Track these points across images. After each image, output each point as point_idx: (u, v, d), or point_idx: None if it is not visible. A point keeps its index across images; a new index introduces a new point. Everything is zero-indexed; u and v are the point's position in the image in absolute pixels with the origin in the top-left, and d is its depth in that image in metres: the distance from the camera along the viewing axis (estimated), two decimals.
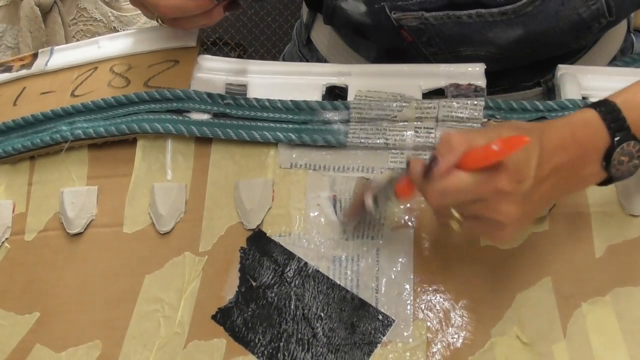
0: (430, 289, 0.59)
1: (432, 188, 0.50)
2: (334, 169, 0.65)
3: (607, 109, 0.53)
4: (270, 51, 1.99)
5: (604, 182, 0.55)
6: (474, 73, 0.67)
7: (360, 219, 0.61)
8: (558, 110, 0.64)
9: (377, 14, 0.67)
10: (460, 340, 0.57)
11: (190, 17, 0.65)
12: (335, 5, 0.70)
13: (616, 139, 0.52)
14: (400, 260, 0.60)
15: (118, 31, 1.43)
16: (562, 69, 0.68)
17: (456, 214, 0.51)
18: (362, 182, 0.64)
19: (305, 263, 0.61)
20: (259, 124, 0.66)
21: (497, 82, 0.69)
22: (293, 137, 0.65)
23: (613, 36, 0.76)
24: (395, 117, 0.65)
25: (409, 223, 0.62)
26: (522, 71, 0.73)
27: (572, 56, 0.73)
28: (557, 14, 0.64)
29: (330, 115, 0.66)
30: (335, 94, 0.70)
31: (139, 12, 1.51)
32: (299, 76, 0.71)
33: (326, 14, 0.73)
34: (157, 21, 0.66)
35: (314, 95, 0.68)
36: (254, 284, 0.61)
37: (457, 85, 0.66)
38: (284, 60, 0.92)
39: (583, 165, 0.53)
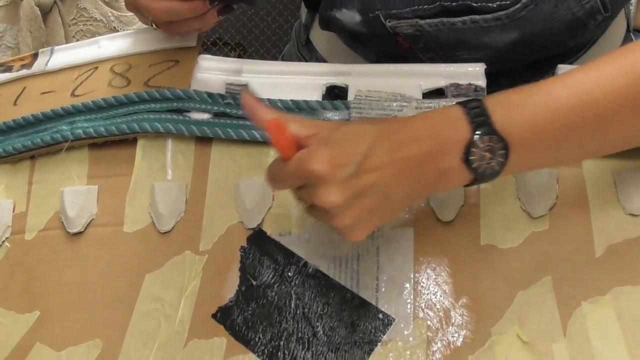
0: (430, 287, 0.59)
1: (267, 174, 0.53)
2: None
3: (472, 105, 0.51)
4: (270, 51, 1.99)
5: (472, 183, 0.52)
6: (474, 73, 0.67)
7: None
8: None
9: (372, 22, 0.67)
10: (461, 339, 0.57)
11: (184, 21, 0.65)
12: (331, 16, 0.70)
13: (477, 132, 0.50)
14: (400, 259, 0.61)
15: (118, 31, 1.43)
16: (562, 69, 0.68)
17: (300, 201, 0.52)
18: None
19: (306, 262, 0.61)
20: None
21: (496, 82, 0.69)
22: None
23: (613, 36, 0.76)
24: (396, 117, 0.65)
25: (409, 222, 0.62)
26: (521, 71, 0.73)
27: (572, 55, 0.73)
28: (551, 15, 0.64)
29: (330, 115, 0.66)
30: (335, 93, 0.71)
31: None
32: (299, 76, 0.71)
33: (322, 22, 0.73)
34: (152, 25, 0.67)
35: (314, 95, 0.68)
36: (254, 283, 0.61)
37: (457, 85, 0.66)
38: (283, 60, 0.92)
39: (440, 157, 0.50)
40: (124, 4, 1.45)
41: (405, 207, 0.52)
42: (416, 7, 0.65)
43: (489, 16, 0.64)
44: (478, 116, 0.50)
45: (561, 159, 0.56)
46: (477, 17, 0.64)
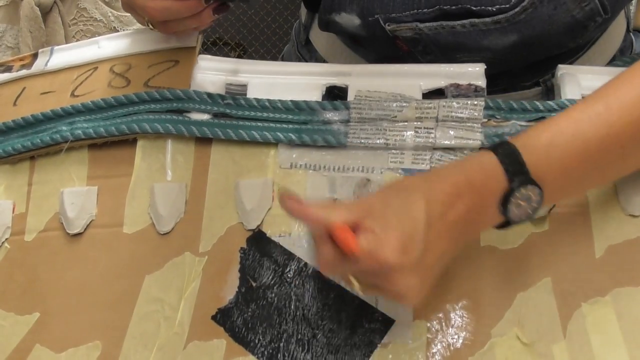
0: (430, 289, 0.59)
1: (321, 257, 0.50)
2: (334, 169, 0.65)
3: (505, 152, 0.51)
4: (270, 51, 1.99)
5: (502, 225, 0.53)
6: (474, 73, 0.67)
7: None
8: (558, 110, 0.63)
9: (371, 26, 0.67)
10: (460, 341, 0.57)
11: (180, 20, 0.65)
12: (330, 19, 0.70)
13: (514, 183, 0.50)
14: None
15: (118, 31, 1.43)
16: (562, 69, 0.68)
17: (355, 282, 0.50)
18: (363, 182, 0.64)
19: (305, 263, 0.61)
20: (259, 124, 0.66)
21: (496, 82, 0.69)
22: (293, 137, 0.65)
23: (612, 35, 0.76)
24: (395, 117, 0.65)
25: None
26: (521, 72, 0.73)
27: (571, 55, 0.73)
28: (550, 18, 0.64)
29: (330, 115, 0.66)
30: (335, 94, 0.70)
31: None
32: (299, 76, 0.70)
33: (321, 25, 0.73)
34: (148, 25, 0.66)
35: (314, 95, 0.68)
36: (254, 284, 0.61)
37: (457, 85, 0.66)
38: (283, 60, 0.92)
39: (481, 211, 0.51)
40: None
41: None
42: (415, 10, 0.65)
43: (488, 20, 0.63)
44: (513, 164, 0.51)
45: (583, 190, 0.58)
46: (476, 20, 0.64)
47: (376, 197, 0.51)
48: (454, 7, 0.64)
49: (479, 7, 0.63)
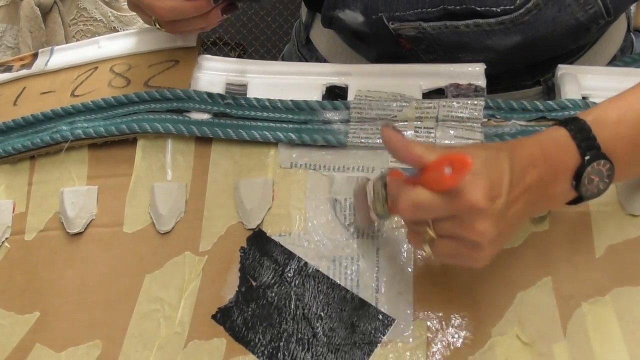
0: (430, 288, 0.59)
1: (402, 200, 0.50)
2: (334, 168, 0.65)
3: (577, 127, 0.52)
4: (270, 51, 1.99)
5: (573, 202, 0.54)
6: (474, 73, 0.67)
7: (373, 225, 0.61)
8: (558, 110, 0.64)
9: (375, 24, 0.67)
10: (461, 340, 0.57)
11: (188, 20, 0.65)
12: (333, 15, 0.70)
13: (586, 157, 0.51)
14: (400, 259, 0.60)
15: (118, 31, 1.43)
16: (562, 69, 0.68)
17: (431, 232, 0.50)
18: (363, 182, 0.64)
19: (306, 263, 0.61)
20: (259, 123, 0.66)
21: (497, 81, 0.69)
22: (293, 136, 0.65)
23: (613, 35, 0.76)
24: (395, 117, 0.65)
25: None
26: (522, 71, 0.73)
27: (572, 55, 0.73)
28: (554, 20, 0.64)
29: (330, 115, 0.66)
30: (335, 93, 0.70)
31: None
32: (299, 76, 0.71)
33: (324, 21, 0.73)
34: (155, 25, 0.66)
35: (314, 95, 0.68)
36: (254, 283, 0.61)
37: (457, 85, 0.66)
38: (283, 60, 0.91)
39: (553, 183, 0.52)
40: (124, 3, 1.45)
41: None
42: (419, 10, 0.65)
43: (492, 20, 0.64)
44: (585, 140, 0.52)
45: None
46: (480, 21, 0.64)
47: (463, 148, 0.52)
48: (458, 7, 0.64)
49: (483, 8, 0.63)
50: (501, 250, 0.52)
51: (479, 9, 0.63)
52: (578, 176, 0.51)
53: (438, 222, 0.49)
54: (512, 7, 0.63)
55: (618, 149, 0.52)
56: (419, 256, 0.60)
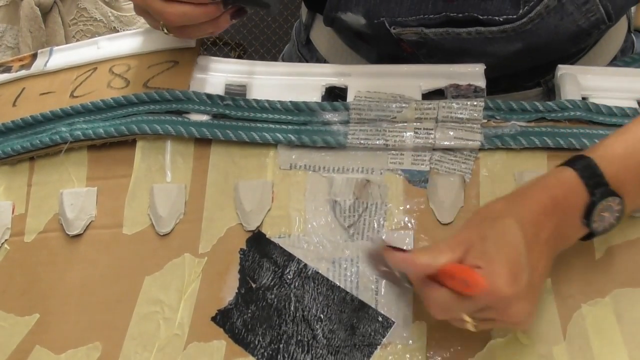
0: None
1: (434, 304, 0.50)
2: (333, 170, 0.65)
3: (584, 166, 0.52)
4: (270, 51, 1.99)
5: (585, 237, 0.54)
6: (473, 73, 0.67)
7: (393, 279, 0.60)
8: (558, 111, 0.64)
9: (376, 27, 0.67)
10: (460, 342, 0.57)
11: (197, 25, 0.63)
12: (335, 16, 0.70)
13: (595, 196, 0.51)
14: None
15: (118, 31, 1.43)
16: (562, 69, 0.68)
17: (468, 319, 0.50)
18: (363, 183, 0.64)
19: (305, 264, 0.61)
20: (259, 125, 0.66)
21: (496, 83, 0.69)
22: (292, 138, 0.65)
23: (613, 37, 0.76)
24: (395, 118, 0.65)
25: (409, 224, 0.62)
26: (522, 74, 0.73)
27: (572, 57, 0.73)
28: (556, 27, 0.64)
29: (329, 116, 0.66)
30: (335, 94, 0.70)
31: None
32: (298, 77, 0.70)
33: (326, 20, 0.73)
34: (163, 30, 0.64)
35: (314, 96, 0.68)
36: (253, 285, 0.61)
37: (456, 86, 0.66)
38: (283, 60, 0.91)
39: (566, 226, 0.52)
40: (124, 3, 1.45)
41: None
42: (422, 16, 0.65)
43: (494, 28, 0.64)
44: (592, 177, 0.52)
45: None
46: (482, 29, 0.64)
47: (469, 231, 0.52)
48: (460, 15, 0.64)
49: (485, 17, 0.63)
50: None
51: (481, 17, 0.63)
52: (588, 214, 0.52)
53: (475, 314, 0.50)
54: (514, 16, 0.63)
55: (627, 182, 0.53)
56: None
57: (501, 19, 0.63)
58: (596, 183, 0.52)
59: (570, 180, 0.52)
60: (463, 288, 0.48)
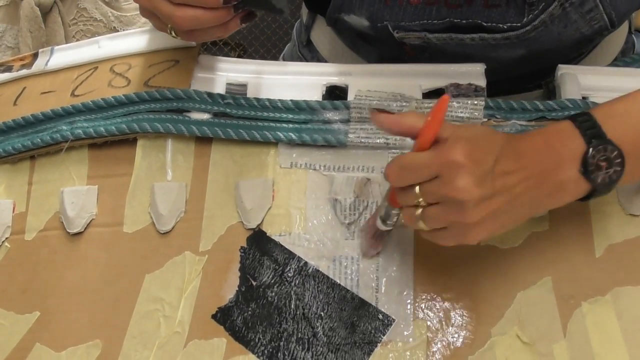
0: (430, 288, 0.59)
1: (392, 165, 0.51)
2: (334, 168, 0.65)
3: (582, 119, 0.53)
4: (270, 51, 1.99)
5: (589, 195, 0.53)
6: (474, 72, 0.67)
7: (383, 241, 0.61)
8: (558, 110, 0.64)
9: (379, 30, 0.67)
10: (461, 340, 0.57)
11: (206, 29, 0.62)
12: (338, 17, 0.70)
13: (591, 143, 0.51)
14: (400, 259, 0.61)
15: (118, 31, 1.43)
16: (562, 69, 0.68)
17: (420, 199, 0.50)
18: (363, 182, 0.64)
19: (306, 262, 0.61)
20: (259, 123, 0.66)
21: (498, 86, 0.69)
22: (293, 136, 0.65)
23: (614, 39, 0.76)
24: None
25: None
26: (523, 77, 0.73)
27: (573, 60, 0.73)
28: (559, 35, 0.64)
29: (330, 115, 0.66)
30: (336, 94, 0.70)
31: (139, 12, 1.49)
32: (299, 76, 0.71)
33: (329, 21, 0.73)
34: (171, 33, 0.63)
35: (314, 95, 0.68)
36: (254, 283, 0.61)
37: (457, 85, 0.66)
38: (284, 60, 0.91)
39: (558, 170, 0.52)
40: (124, 3, 1.45)
41: (524, 219, 0.53)
42: (425, 21, 0.65)
43: (498, 35, 0.64)
44: (590, 128, 0.52)
45: None
46: (486, 35, 0.64)
47: (462, 124, 0.53)
48: (464, 21, 0.64)
49: (490, 24, 0.63)
50: (498, 231, 0.52)
51: (485, 24, 0.63)
52: (585, 163, 0.51)
53: (424, 186, 0.50)
54: (519, 24, 0.63)
55: (628, 139, 0.52)
56: (419, 255, 0.60)
57: (505, 27, 0.63)
58: (593, 134, 0.52)
59: (568, 130, 0.52)
60: (424, 129, 0.50)
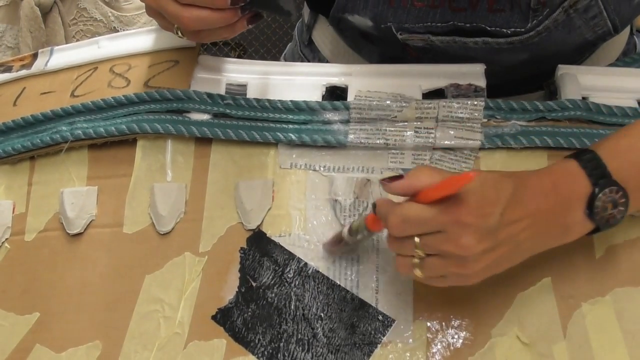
0: (430, 289, 0.59)
1: (394, 215, 0.50)
2: (334, 169, 0.65)
3: (588, 158, 0.53)
4: (270, 51, 1.99)
5: (593, 232, 0.54)
6: (474, 73, 0.67)
7: (342, 249, 0.61)
8: (558, 111, 0.64)
9: (383, 31, 0.67)
10: (460, 341, 0.57)
11: (212, 30, 0.62)
12: (342, 17, 0.70)
13: (597, 186, 0.52)
14: None
15: (118, 31, 1.43)
16: (562, 69, 0.68)
17: (419, 251, 0.50)
18: (363, 182, 0.64)
19: (305, 263, 0.61)
20: (259, 124, 0.66)
21: (499, 88, 0.69)
22: (293, 137, 0.65)
23: (616, 41, 0.76)
24: (395, 117, 0.65)
25: None
26: (525, 80, 0.73)
27: (575, 62, 0.73)
28: (563, 40, 0.64)
29: (330, 115, 0.66)
30: (337, 94, 0.70)
31: (139, 12, 1.50)
32: (298, 76, 0.70)
33: (332, 20, 0.73)
34: (177, 33, 0.63)
35: (314, 95, 0.68)
36: (254, 284, 0.61)
37: (457, 86, 0.66)
38: (285, 60, 0.91)
39: (565, 213, 0.52)
40: (124, 3, 1.45)
41: (524, 259, 0.54)
42: (429, 23, 0.65)
43: (501, 40, 0.64)
44: (595, 168, 0.52)
45: None
46: (489, 39, 0.64)
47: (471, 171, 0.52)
48: (468, 25, 0.64)
49: (493, 28, 0.63)
50: (498, 272, 0.52)
51: (489, 28, 0.63)
52: (591, 205, 0.52)
53: (425, 239, 0.50)
54: (523, 29, 0.63)
55: (631, 177, 0.53)
56: None
57: (509, 32, 0.63)
58: (599, 174, 0.52)
59: (574, 170, 0.53)
60: (437, 188, 0.48)
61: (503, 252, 0.51)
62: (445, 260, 0.50)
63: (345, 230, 0.58)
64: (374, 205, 0.54)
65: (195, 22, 0.59)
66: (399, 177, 0.51)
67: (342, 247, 0.60)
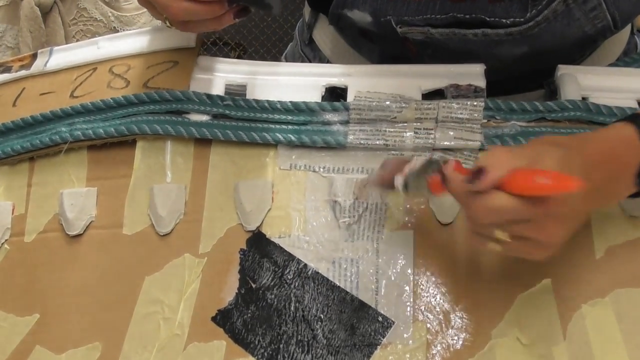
0: (430, 290, 0.59)
1: (478, 204, 0.49)
2: (333, 170, 0.65)
3: None
4: (270, 51, 1.99)
5: (634, 195, 0.54)
6: (473, 73, 0.67)
7: (382, 193, 0.60)
8: (558, 111, 0.64)
9: (383, 25, 0.67)
10: (460, 342, 0.57)
11: (200, 21, 0.64)
12: (341, 14, 0.70)
13: None
14: (400, 261, 0.60)
15: (118, 31, 1.43)
16: (562, 69, 0.68)
17: (500, 235, 0.50)
18: (363, 183, 0.64)
19: (305, 264, 0.61)
20: (259, 125, 0.66)
21: (499, 86, 0.69)
22: (292, 138, 0.65)
23: (616, 40, 0.76)
24: (395, 118, 0.65)
25: (409, 224, 0.62)
26: (525, 77, 0.73)
27: (575, 61, 0.73)
28: (562, 32, 0.64)
29: (329, 116, 0.66)
30: (338, 94, 0.70)
31: (139, 12, 1.50)
32: (298, 77, 0.70)
33: (331, 18, 0.73)
34: (165, 23, 0.65)
35: (314, 96, 0.68)
36: (253, 285, 0.61)
37: (457, 86, 0.66)
38: (285, 59, 0.91)
39: (618, 180, 0.53)
40: (124, 3, 1.45)
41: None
42: (428, 15, 0.65)
43: (501, 31, 0.64)
44: None
45: None
46: (489, 31, 0.64)
47: (537, 143, 0.52)
48: (467, 16, 0.64)
49: (493, 19, 0.63)
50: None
51: (488, 19, 0.63)
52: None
53: (511, 225, 0.50)
54: (522, 19, 0.63)
55: None
56: (419, 258, 0.60)
57: (508, 22, 0.63)
58: None
59: (630, 137, 0.53)
60: (538, 186, 0.47)
61: (576, 226, 0.52)
62: (527, 243, 0.50)
63: (399, 182, 0.55)
64: (440, 171, 0.52)
65: (183, 13, 0.61)
66: (480, 170, 0.49)
67: (386, 191, 0.59)
